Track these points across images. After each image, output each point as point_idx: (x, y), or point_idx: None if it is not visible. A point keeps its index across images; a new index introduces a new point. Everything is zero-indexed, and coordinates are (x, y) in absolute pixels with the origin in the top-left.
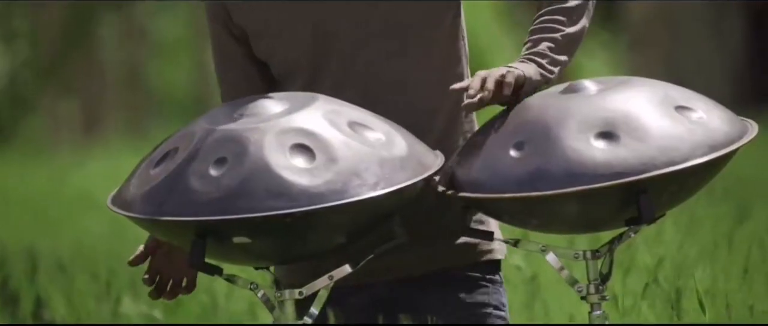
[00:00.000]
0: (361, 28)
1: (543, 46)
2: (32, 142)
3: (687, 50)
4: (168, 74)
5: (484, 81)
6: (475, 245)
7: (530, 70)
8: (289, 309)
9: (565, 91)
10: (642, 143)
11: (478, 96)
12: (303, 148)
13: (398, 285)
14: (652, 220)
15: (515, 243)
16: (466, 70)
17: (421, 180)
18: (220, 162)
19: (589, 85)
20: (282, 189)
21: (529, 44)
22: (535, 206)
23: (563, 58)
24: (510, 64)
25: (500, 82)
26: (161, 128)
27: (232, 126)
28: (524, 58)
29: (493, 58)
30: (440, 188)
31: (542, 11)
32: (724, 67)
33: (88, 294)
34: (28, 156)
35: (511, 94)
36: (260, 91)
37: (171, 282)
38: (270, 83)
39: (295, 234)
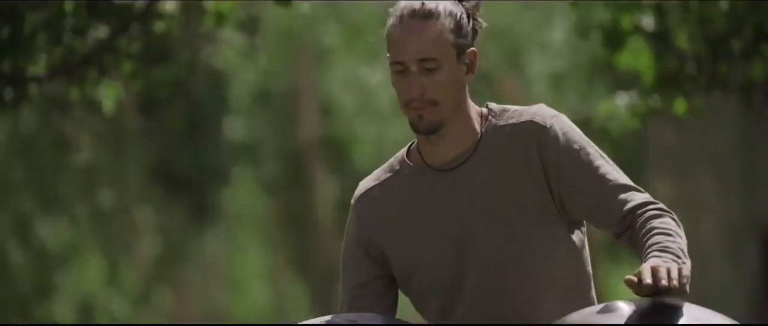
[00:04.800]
0: (496, 251)
1: (677, 251)
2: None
3: (709, 275)
4: None
5: (668, 272)
6: None
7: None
8: None
9: (601, 312)
10: None
11: (666, 286)
12: None
13: None
14: None
15: None
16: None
17: None
18: None
19: (623, 306)
20: None
21: (658, 247)
22: None
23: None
24: (669, 259)
25: (679, 279)
26: None
27: None
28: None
29: None
30: None
31: (652, 218)
32: (742, 288)
33: None
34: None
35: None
36: (383, 305)
37: None
38: (393, 297)
39: None
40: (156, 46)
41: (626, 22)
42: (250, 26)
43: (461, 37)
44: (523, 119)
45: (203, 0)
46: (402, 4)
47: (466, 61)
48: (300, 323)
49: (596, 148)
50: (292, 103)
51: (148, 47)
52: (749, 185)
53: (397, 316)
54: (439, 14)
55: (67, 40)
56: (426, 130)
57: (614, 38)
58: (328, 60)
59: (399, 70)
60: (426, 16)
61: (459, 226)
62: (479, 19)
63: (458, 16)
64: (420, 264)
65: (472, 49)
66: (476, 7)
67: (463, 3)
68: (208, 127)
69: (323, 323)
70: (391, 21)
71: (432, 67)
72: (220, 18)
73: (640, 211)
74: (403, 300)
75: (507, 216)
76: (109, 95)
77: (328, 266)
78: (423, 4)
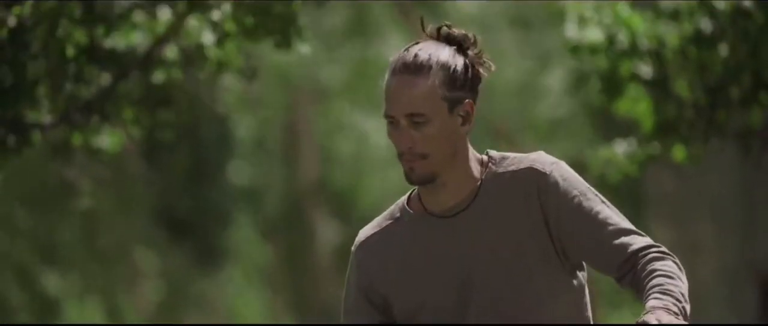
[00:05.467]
0: (496, 296)
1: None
2: None
3: (707, 320)
4: None
5: None
6: None
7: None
8: None
9: None
10: None
11: None
12: None
13: None
14: None
15: None
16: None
17: None
18: None
19: None
20: None
21: (659, 289)
22: None
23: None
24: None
25: None
26: None
27: None
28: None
29: None
30: None
31: (653, 260)
32: None
33: None
34: None
35: None
36: None
37: None
38: None
39: None
40: (157, 92)
41: (624, 69)
42: (248, 72)
43: (455, 89)
44: (522, 166)
45: (205, 46)
46: (398, 55)
47: (461, 112)
48: None
49: (596, 192)
50: (293, 148)
51: (150, 93)
52: (747, 231)
53: None
54: (430, 68)
55: (69, 87)
56: (417, 181)
57: (612, 86)
58: (328, 104)
59: (390, 122)
60: (417, 69)
61: (460, 272)
62: (482, 69)
63: (452, 69)
64: (422, 308)
65: (468, 100)
66: (479, 56)
67: (468, 52)
68: (211, 170)
69: None
70: (387, 72)
71: (420, 121)
72: (221, 65)
73: (641, 254)
74: None
75: (507, 261)
76: (111, 141)
77: (327, 310)
78: (416, 56)
